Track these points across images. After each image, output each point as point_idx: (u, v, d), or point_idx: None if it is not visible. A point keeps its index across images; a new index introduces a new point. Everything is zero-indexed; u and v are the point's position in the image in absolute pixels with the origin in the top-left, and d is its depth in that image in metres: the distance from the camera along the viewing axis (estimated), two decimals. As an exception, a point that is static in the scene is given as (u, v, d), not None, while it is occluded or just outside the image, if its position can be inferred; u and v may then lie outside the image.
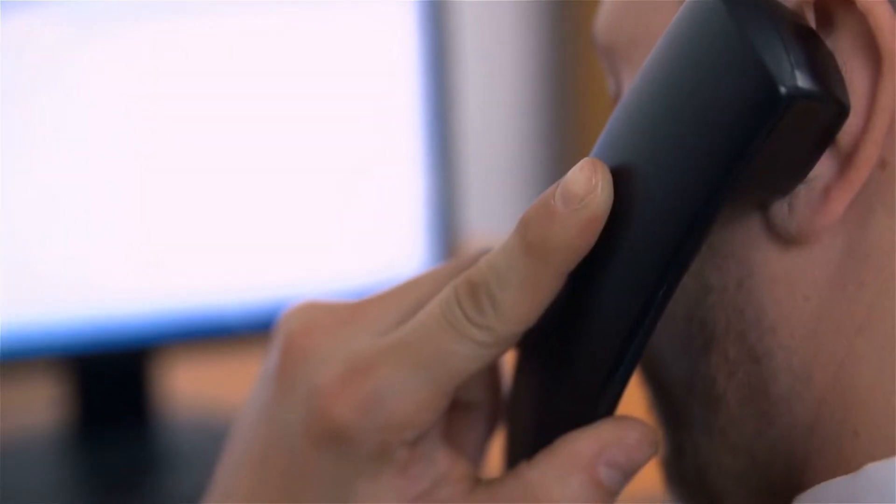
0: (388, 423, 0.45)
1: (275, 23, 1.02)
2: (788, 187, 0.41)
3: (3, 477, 1.03)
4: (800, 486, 0.44)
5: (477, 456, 0.50)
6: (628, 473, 0.45)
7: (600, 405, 0.45)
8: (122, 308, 1.02)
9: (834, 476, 0.42)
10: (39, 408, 1.12)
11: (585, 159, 0.43)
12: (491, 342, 0.45)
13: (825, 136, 0.40)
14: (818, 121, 0.40)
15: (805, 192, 0.41)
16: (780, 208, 0.42)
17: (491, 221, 2.41)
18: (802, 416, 0.43)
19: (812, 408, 0.43)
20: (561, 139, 2.57)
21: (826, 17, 0.41)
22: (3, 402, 1.16)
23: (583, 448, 0.45)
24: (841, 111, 0.40)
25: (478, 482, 0.47)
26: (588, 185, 0.42)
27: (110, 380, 1.08)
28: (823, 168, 0.41)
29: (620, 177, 0.43)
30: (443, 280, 0.47)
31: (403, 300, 0.48)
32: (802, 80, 0.39)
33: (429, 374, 0.45)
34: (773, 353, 0.43)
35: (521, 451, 0.48)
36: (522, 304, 0.44)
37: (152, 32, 0.99)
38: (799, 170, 0.41)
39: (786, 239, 0.42)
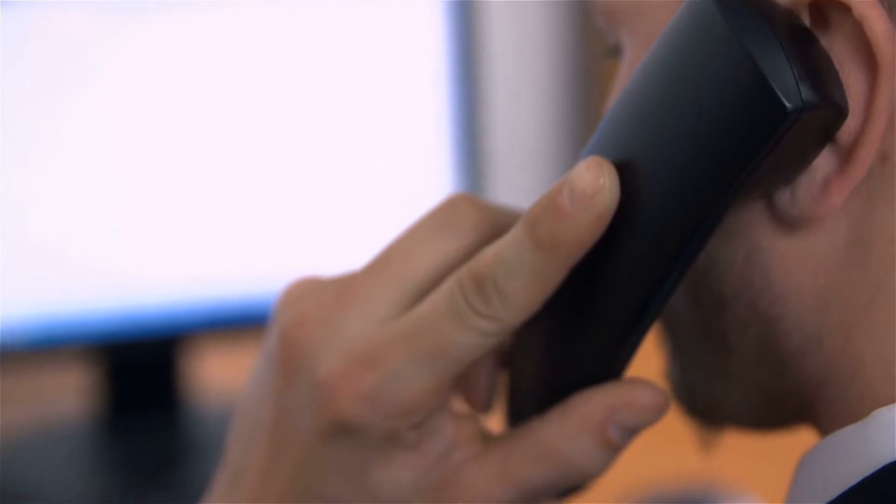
0: (394, 413, 0.46)
1: (304, 21, 1.02)
2: (790, 179, 0.43)
3: (35, 463, 1.04)
4: (811, 421, 0.46)
5: (487, 398, 0.51)
6: (636, 433, 0.47)
7: (613, 366, 0.46)
8: (152, 297, 1.03)
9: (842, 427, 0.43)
10: (70, 395, 1.13)
11: (591, 157, 0.44)
12: (497, 331, 0.46)
13: (825, 137, 0.41)
14: (820, 126, 0.41)
15: (806, 183, 0.42)
16: (783, 195, 0.43)
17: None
18: (813, 373, 0.45)
19: (822, 368, 0.44)
20: (588, 138, 2.56)
21: (821, 17, 0.41)
22: (35, 390, 1.17)
23: (594, 409, 0.47)
24: (840, 113, 0.41)
25: (487, 441, 0.48)
26: (596, 184, 0.44)
27: (140, 368, 1.09)
28: (824, 161, 0.42)
29: (623, 173, 0.44)
30: (434, 254, 0.48)
31: (397, 279, 0.48)
32: (806, 93, 0.40)
33: (434, 364, 0.46)
34: (784, 316, 0.44)
35: (527, 406, 0.49)
36: (530, 295, 0.45)
37: (179, 25, 1.00)
38: (799, 166, 0.42)
39: (789, 223, 0.43)
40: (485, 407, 0.51)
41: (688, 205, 0.42)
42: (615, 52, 0.49)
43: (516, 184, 2.49)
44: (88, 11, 0.98)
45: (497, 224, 0.48)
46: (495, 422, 0.51)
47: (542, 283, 0.45)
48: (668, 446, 1.06)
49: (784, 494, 0.47)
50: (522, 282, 0.45)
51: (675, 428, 1.08)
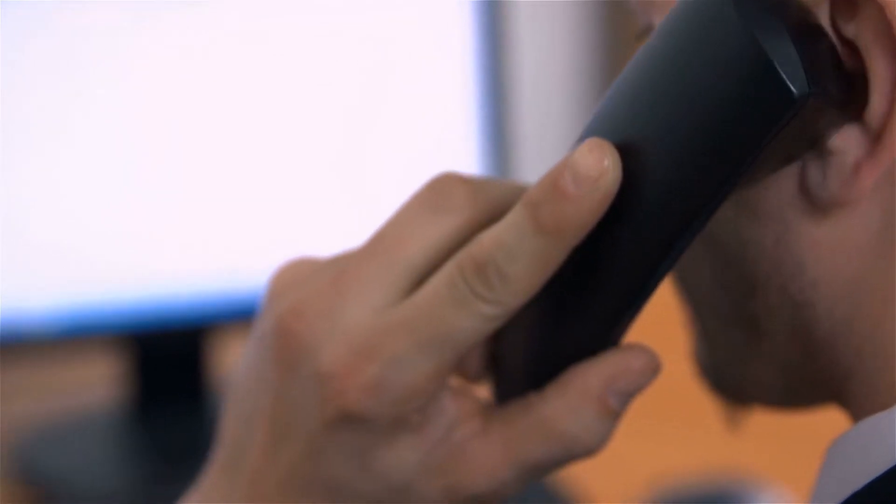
0: (399, 400, 0.46)
1: (328, 15, 1.03)
2: (799, 157, 0.43)
3: (63, 453, 1.05)
4: (842, 404, 0.46)
5: (477, 368, 0.51)
6: (634, 396, 0.47)
7: (609, 339, 0.47)
8: (181, 288, 1.04)
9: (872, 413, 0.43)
10: (99, 385, 1.13)
11: (592, 139, 0.44)
12: (499, 314, 0.46)
13: (828, 124, 0.42)
14: (824, 114, 0.41)
15: (837, 166, 0.42)
16: (814, 177, 0.43)
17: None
18: (843, 359, 0.45)
19: (852, 354, 0.45)
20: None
21: (847, 5, 0.42)
22: (64, 380, 1.17)
23: (593, 380, 0.47)
24: (843, 103, 0.41)
25: (488, 416, 0.48)
26: (599, 166, 0.44)
27: (168, 358, 1.09)
28: (854, 144, 0.42)
29: (623, 154, 0.44)
30: (428, 235, 0.47)
31: (393, 263, 0.48)
32: (813, 80, 0.40)
33: (437, 350, 0.46)
34: (815, 302, 0.45)
35: (519, 381, 0.49)
36: (533, 278, 0.45)
37: (200, 17, 1.00)
38: (807, 148, 0.43)
39: (821, 206, 0.43)
40: (476, 377, 0.51)
41: (690, 188, 0.43)
42: (646, 34, 0.49)
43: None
44: (96, 4, 0.98)
45: (488, 199, 0.48)
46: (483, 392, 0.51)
47: (544, 265, 0.45)
48: (694, 438, 1.06)
49: (809, 484, 0.47)
50: (525, 265, 0.45)
51: (700, 419, 1.08)
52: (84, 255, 1.00)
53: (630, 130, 0.44)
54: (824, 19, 0.42)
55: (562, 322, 0.47)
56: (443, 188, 0.48)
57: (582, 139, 0.46)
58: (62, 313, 1.01)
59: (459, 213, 0.48)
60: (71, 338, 1.02)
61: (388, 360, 0.46)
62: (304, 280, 0.49)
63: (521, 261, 0.45)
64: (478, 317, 0.46)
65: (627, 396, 0.47)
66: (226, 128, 1.02)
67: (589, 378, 0.47)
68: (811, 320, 0.45)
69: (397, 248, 0.48)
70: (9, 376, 1.18)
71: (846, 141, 0.42)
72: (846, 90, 0.41)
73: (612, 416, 0.47)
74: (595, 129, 0.46)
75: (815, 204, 0.43)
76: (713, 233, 0.45)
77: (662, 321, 1.17)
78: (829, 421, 0.52)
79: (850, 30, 0.41)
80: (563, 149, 2.55)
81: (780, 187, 0.44)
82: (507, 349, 0.50)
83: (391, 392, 0.46)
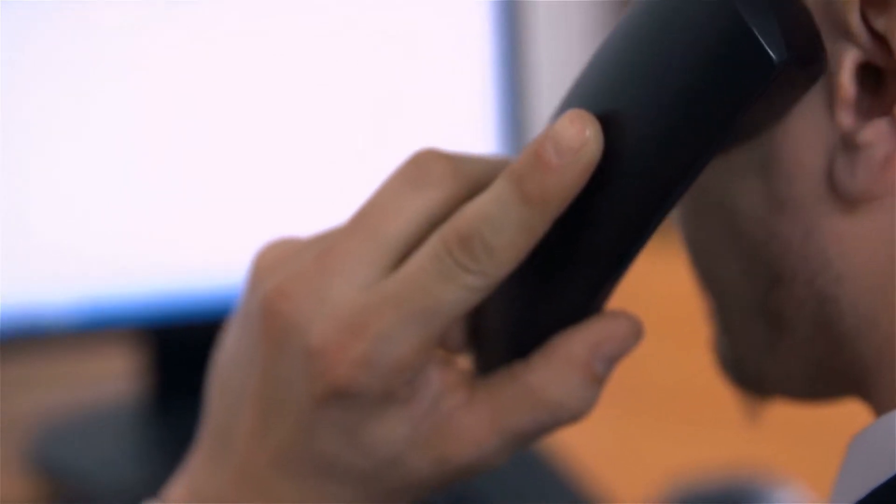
0: (388, 374, 0.47)
1: (347, 11, 1.03)
2: (771, 125, 0.44)
3: (82, 446, 1.05)
4: (864, 398, 0.46)
5: (460, 339, 0.51)
6: (618, 361, 0.48)
7: (592, 306, 0.48)
8: (199, 282, 1.04)
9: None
10: (117, 379, 1.13)
11: (573, 111, 0.45)
12: (484, 285, 0.47)
13: (803, 91, 0.43)
14: (802, 79, 0.42)
15: (866, 159, 0.42)
16: (843, 171, 0.43)
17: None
18: (866, 354, 0.45)
19: (875, 349, 0.45)
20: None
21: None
22: (83, 373, 1.18)
23: (578, 348, 0.48)
24: (819, 70, 0.42)
25: (473, 387, 0.49)
26: (581, 137, 0.44)
27: (187, 352, 1.09)
28: (883, 138, 0.42)
29: (604, 124, 0.45)
30: (410, 211, 0.48)
31: (377, 240, 0.48)
32: (791, 47, 0.41)
33: (424, 323, 0.47)
34: (840, 297, 0.45)
35: (501, 351, 0.50)
36: (517, 248, 0.46)
37: (218, 12, 1.00)
38: (776, 119, 0.44)
39: (849, 199, 0.43)
40: (458, 350, 0.51)
41: (669, 156, 0.43)
42: None
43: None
44: (96, 4, 0.98)
45: (469, 174, 0.49)
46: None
47: (528, 235, 0.46)
48: (713, 434, 1.06)
49: (828, 480, 0.47)
50: (509, 236, 0.46)
51: (719, 416, 1.08)
52: (102, 248, 1.00)
53: (610, 100, 0.45)
54: (854, 14, 0.41)
55: (545, 291, 0.48)
56: (424, 163, 0.49)
57: (562, 110, 0.46)
58: (81, 307, 1.01)
59: (442, 188, 0.48)
60: (89, 331, 1.02)
61: (377, 335, 0.47)
62: (287, 259, 0.50)
63: (505, 232, 0.46)
64: (463, 289, 0.46)
65: (612, 362, 0.48)
66: (248, 124, 1.02)
67: (573, 345, 0.48)
68: (836, 315, 0.45)
69: (381, 224, 0.48)
70: (27, 369, 1.18)
71: (875, 135, 0.42)
72: (819, 57, 0.42)
73: (598, 381, 0.48)
74: (575, 100, 0.47)
75: (843, 198, 0.43)
76: (739, 226, 0.45)
77: (680, 318, 1.17)
78: (847, 416, 0.52)
79: (880, 24, 0.41)
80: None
81: (808, 181, 0.44)
82: (490, 320, 0.50)
83: (380, 366, 0.47)
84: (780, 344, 0.48)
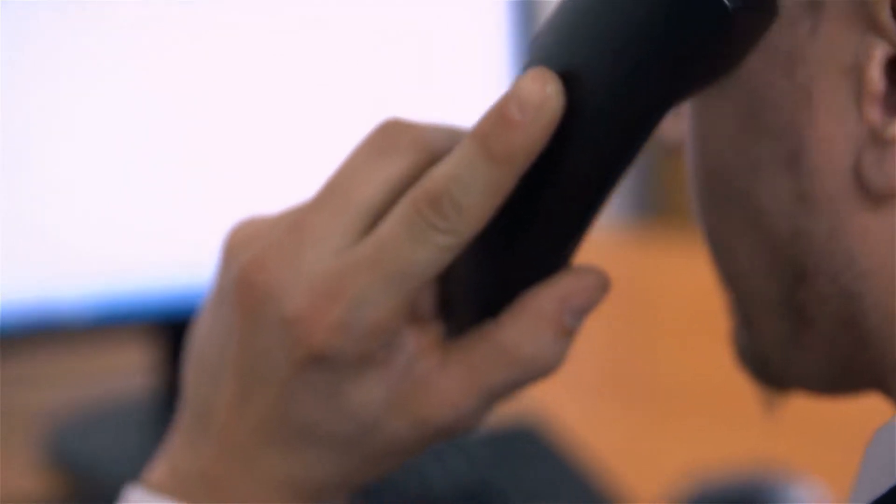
0: (365, 336, 0.48)
1: (363, 7, 1.03)
2: (725, 73, 0.45)
3: (97, 440, 1.05)
4: (887, 393, 0.46)
5: (431, 306, 0.52)
6: (587, 314, 0.49)
7: (559, 261, 0.49)
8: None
9: None
10: (133, 373, 1.14)
11: (533, 70, 0.47)
12: (455, 244, 0.48)
13: (756, 40, 0.44)
14: (757, 23, 0.43)
15: (894, 154, 0.42)
16: (871, 166, 0.43)
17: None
18: (891, 350, 0.45)
19: None
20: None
21: None
22: (98, 367, 1.18)
23: (547, 303, 0.49)
24: (772, 18, 0.43)
25: (447, 349, 0.50)
26: (542, 93, 0.46)
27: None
28: None
29: (565, 81, 0.46)
30: (378, 178, 0.49)
31: (347, 208, 0.49)
32: None
33: (397, 285, 0.48)
34: (864, 294, 0.44)
35: (473, 315, 0.51)
36: (486, 206, 0.47)
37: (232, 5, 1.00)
38: (730, 69, 0.44)
39: (876, 195, 0.43)
40: (429, 316, 0.52)
41: (625, 109, 0.45)
42: None
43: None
44: (96, 3, 0.98)
45: (434, 141, 0.50)
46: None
47: (495, 193, 0.47)
48: (729, 431, 1.06)
49: (845, 477, 0.46)
50: (478, 194, 0.47)
51: (736, 413, 1.08)
52: (118, 242, 1.00)
53: (569, 57, 0.46)
54: (885, 9, 0.41)
55: (512, 249, 0.49)
56: (390, 132, 0.50)
57: (523, 71, 0.47)
58: (96, 301, 1.01)
59: (408, 154, 0.50)
60: (105, 326, 1.02)
61: (353, 298, 0.48)
62: (259, 235, 0.51)
63: (474, 190, 0.47)
64: (435, 248, 0.47)
65: (581, 315, 0.49)
66: (261, 120, 1.02)
67: (543, 301, 0.49)
68: (859, 311, 0.45)
69: (351, 192, 0.49)
70: (43, 364, 1.19)
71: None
72: (772, 7, 0.43)
73: (568, 335, 0.49)
74: (535, 60, 0.48)
75: (870, 194, 0.43)
76: (763, 221, 0.45)
77: (696, 316, 1.16)
78: (864, 412, 0.52)
79: None
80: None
81: (835, 176, 0.44)
82: (459, 284, 0.51)
83: (357, 330, 0.48)
84: (802, 339, 0.47)
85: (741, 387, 1.09)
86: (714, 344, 1.12)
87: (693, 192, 0.50)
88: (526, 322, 0.49)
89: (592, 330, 1.23)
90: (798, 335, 0.48)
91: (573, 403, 1.10)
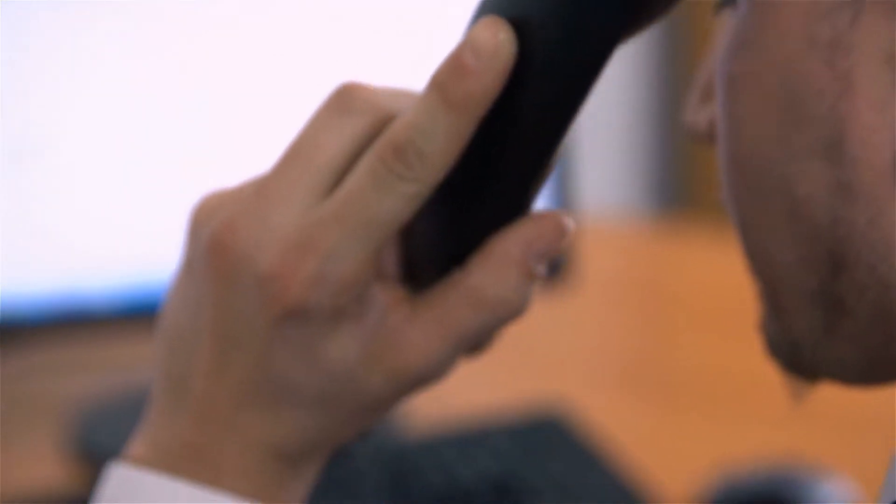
0: (338, 289, 0.49)
1: (362, 17, 1.02)
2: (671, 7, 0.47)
3: (117, 430, 1.05)
4: None
5: (396, 264, 0.54)
6: (550, 257, 0.51)
7: (521, 206, 0.50)
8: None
9: None
10: (151, 363, 1.14)
11: (485, 18, 0.48)
12: (420, 192, 0.49)
13: None
14: None
15: None
16: None
17: (603, 199, 2.41)
18: None
19: None
20: (669, 123, 2.55)
21: None
22: (123, 357, 1.18)
23: (513, 247, 0.51)
24: None
25: (416, 301, 0.52)
26: (495, 40, 0.48)
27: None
28: None
29: (516, 28, 0.48)
30: (340, 136, 0.51)
31: (312, 166, 0.51)
32: None
33: (366, 235, 0.49)
34: None
35: (439, 266, 0.52)
36: (448, 152, 0.49)
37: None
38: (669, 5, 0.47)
39: None
40: (394, 275, 0.54)
41: (574, 50, 0.46)
42: (725, 4, 0.49)
43: (599, 173, 2.48)
44: (98, 1, 0.98)
45: (390, 101, 0.52)
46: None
47: (456, 140, 0.49)
48: (758, 426, 1.05)
49: (873, 473, 0.46)
50: (440, 142, 0.48)
51: (764, 409, 1.07)
52: (143, 232, 1.00)
53: (517, 5, 0.48)
54: None
55: (475, 197, 0.50)
56: (348, 93, 0.52)
57: (474, 22, 0.49)
58: (121, 292, 1.01)
59: (366, 114, 0.51)
60: (129, 316, 1.03)
61: (324, 252, 0.49)
62: (225, 204, 0.52)
63: (436, 138, 0.48)
64: (400, 197, 0.49)
65: (544, 258, 0.51)
66: (267, 111, 1.02)
67: (508, 245, 0.50)
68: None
69: (314, 152, 0.51)
70: (67, 353, 1.19)
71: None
72: None
73: (532, 278, 0.51)
74: (487, 10, 0.50)
75: None
76: (801, 209, 0.45)
77: (723, 312, 1.16)
78: (893, 409, 0.51)
79: None
80: (618, 146, 2.55)
81: (875, 165, 0.43)
82: (421, 239, 0.53)
83: (331, 283, 0.49)
84: (837, 329, 0.47)
85: (768, 381, 1.09)
86: (740, 337, 1.12)
87: (726, 179, 0.49)
88: (492, 265, 0.50)
89: (618, 322, 1.23)
90: (833, 325, 0.47)
91: (598, 396, 1.10)
